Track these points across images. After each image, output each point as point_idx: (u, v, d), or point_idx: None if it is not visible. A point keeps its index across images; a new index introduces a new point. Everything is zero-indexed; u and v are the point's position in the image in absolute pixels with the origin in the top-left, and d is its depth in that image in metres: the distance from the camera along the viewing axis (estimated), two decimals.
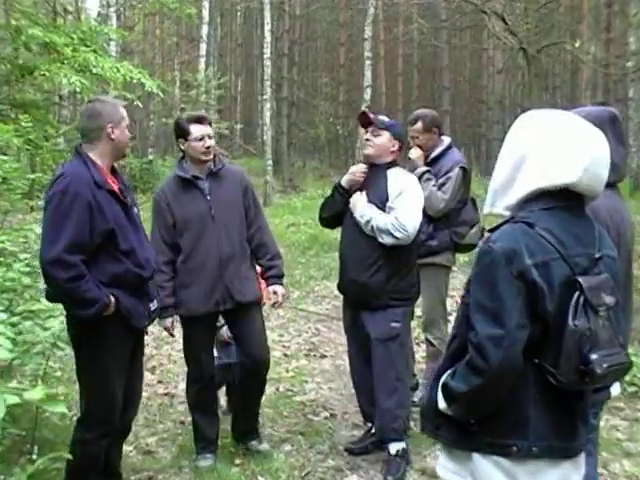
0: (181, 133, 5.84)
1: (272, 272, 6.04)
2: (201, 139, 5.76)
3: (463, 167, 6.85)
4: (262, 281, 6.09)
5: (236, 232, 5.88)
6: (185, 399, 6.29)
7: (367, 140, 5.82)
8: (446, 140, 7.06)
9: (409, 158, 6.90)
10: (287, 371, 8.47)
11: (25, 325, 5.53)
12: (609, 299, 2.81)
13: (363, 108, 5.82)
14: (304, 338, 9.98)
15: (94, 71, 11.76)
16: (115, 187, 4.84)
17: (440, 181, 6.75)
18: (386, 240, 5.56)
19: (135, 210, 5.03)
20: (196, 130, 5.77)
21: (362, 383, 6.11)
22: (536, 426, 2.82)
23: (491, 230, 2.93)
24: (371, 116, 5.79)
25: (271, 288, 6.03)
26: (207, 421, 6.10)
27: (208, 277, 5.77)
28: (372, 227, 5.59)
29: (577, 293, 2.73)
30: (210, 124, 5.91)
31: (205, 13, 27.45)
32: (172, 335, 5.94)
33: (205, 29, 27.74)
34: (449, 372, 2.94)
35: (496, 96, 38.66)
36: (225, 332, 6.51)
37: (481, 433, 2.87)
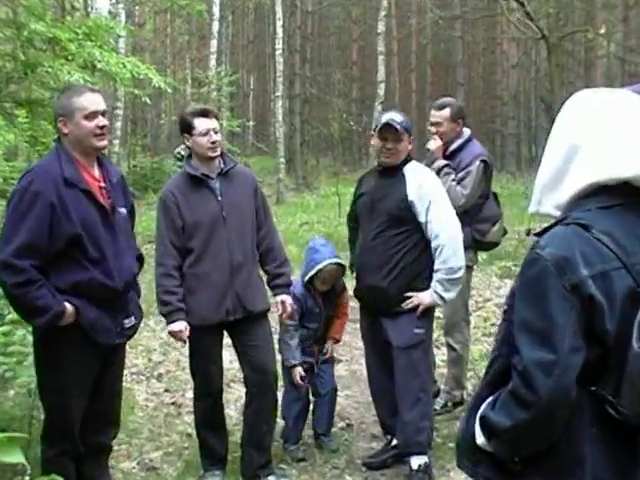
0: (185, 128, 5.45)
1: (280, 280, 5.65)
2: (206, 133, 5.36)
3: (484, 160, 6.45)
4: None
5: (248, 236, 5.51)
6: (191, 408, 5.93)
7: (389, 149, 5.44)
8: (466, 132, 6.66)
9: (428, 149, 6.50)
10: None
11: (18, 334, 5.20)
12: None
13: (387, 120, 5.47)
14: None
15: (99, 66, 11.45)
16: (94, 186, 4.45)
17: (460, 175, 6.36)
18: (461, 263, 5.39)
19: (121, 213, 4.65)
20: (200, 124, 5.37)
21: (381, 393, 5.78)
22: (593, 466, 2.32)
23: (538, 234, 2.46)
24: (397, 127, 5.38)
25: (279, 298, 5.65)
26: (215, 437, 5.69)
27: (219, 284, 5.37)
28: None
29: None
30: (217, 117, 5.51)
31: (216, 9, 27.14)
32: (184, 341, 5.50)
33: (216, 26, 27.43)
34: (489, 401, 2.47)
35: (510, 91, 38.28)
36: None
37: (527, 473, 2.40)
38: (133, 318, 4.73)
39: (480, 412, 2.48)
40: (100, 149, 4.58)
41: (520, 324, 2.36)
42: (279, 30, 27.75)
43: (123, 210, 4.67)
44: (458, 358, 6.64)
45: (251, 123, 36.44)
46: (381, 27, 26.06)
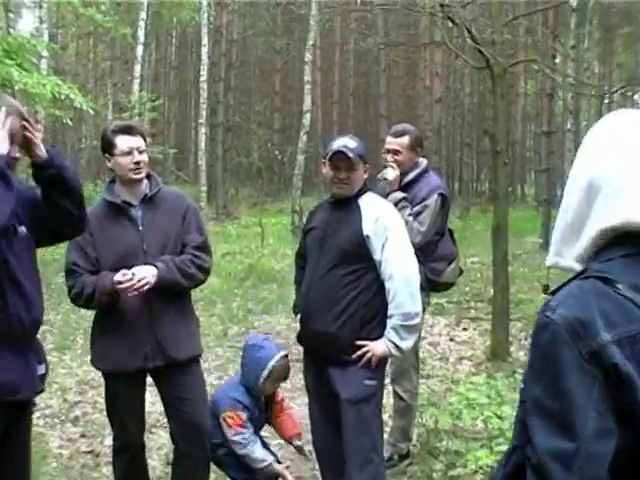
0: (106, 146, 4.83)
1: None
2: (129, 153, 4.75)
3: (442, 194, 6.01)
4: None
5: None
6: (111, 458, 5.35)
7: (342, 179, 4.90)
8: (423, 162, 6.22)
9: (385, 179, 6.02)
10: None
11: None
12: None
13: (339, 148, 5.04)
14: None
15: (17, 87, 10.90)
16: None
17: (416, 209, 5.90)
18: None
19: (22, 232, 3.88)
20: (122, 142, 4.76)
21: (326, 451, 5.20)
22: None
23: (553, 292, 1.97)
24: (351, 155, 4.83)
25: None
26: None
27: (136, 326, 4.74)
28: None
29: None
30: (142, 136, 4.90)
31: (141, 33, 26.61)
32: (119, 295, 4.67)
33: (140, 50, 26.88)
34: None
35: (434, 125, 38.29)
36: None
37: None
38: (44, 365, 4.04)
39: None
40: None
41: (532, 406, 1.88)
42: (204, 56, 27.37)
43: (22, 229, 3.91)
44: (406, 408, 6.20)
45: (172, 150, 35.84)
46: (308, 56, 25.76)
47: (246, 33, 44.98)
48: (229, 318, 12.11)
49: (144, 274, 4.59)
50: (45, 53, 16.25)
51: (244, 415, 5.27)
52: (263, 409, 5.50)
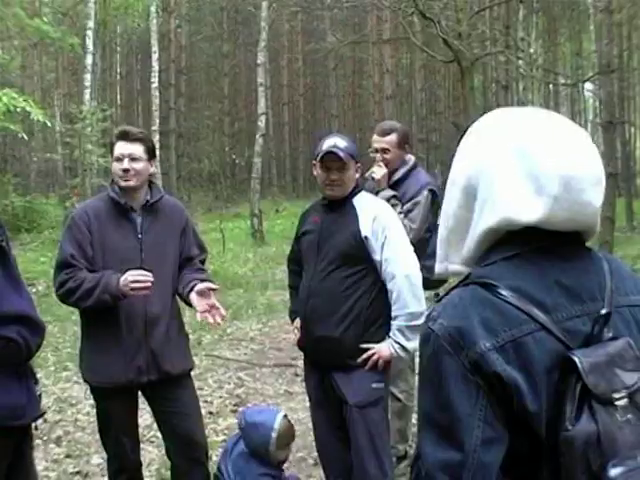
0: (110, 151, 4.73)
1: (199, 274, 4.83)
2: (120, 159, 4.61)
3: (432, 190, 5.89)
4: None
5: (169, 285, 4.72)
6: (102, 477, 5.17)
7: (334, 180, 4.76)
8: (411, 159, 6.09)
9: (372, 178, 5.88)
10: (216, 433, 7.32)
11: None
12: (631, 377, 1.81)
13: (329, 148, 4.90)
14: (227, 390, 8.80)
15: None
16: None
17: (406, 207, 5.76)
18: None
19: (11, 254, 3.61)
20: (117, 147, 4.65)
21: (331, 457, 5.08)
22: None
23: (439, 300, 1.96)
24: (342, 155, 4.68)
25: (200, 287, 4.61)
26: None
27: (129, 338, 4.56)
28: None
29: (573, 379, 1.76)
30: (142, 142, 4.72)
31: (89, 42, 26.23)
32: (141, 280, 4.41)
33: (90, 59, 26.50)
34: None
35: None
36: None
37: None
38: (39, 385, 3.76)
39: None
40: None
41: (422, 417, 1.88)
42: (155, 63, 27.15)
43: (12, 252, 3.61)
44: (403, 409, 6.09)
45: None
46: (261, 58, 25.57)
47: (193, 38, 44.71)
48: (200, 326, 11.93)
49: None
50: None
51: None
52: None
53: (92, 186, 24.07)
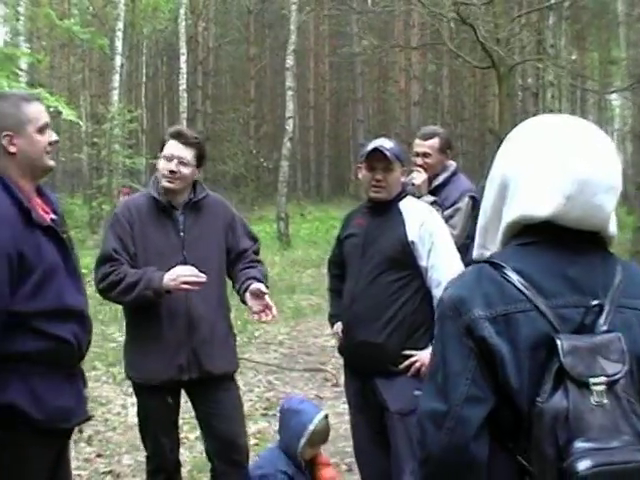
0: (160, 146, 4.68)
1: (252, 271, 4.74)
2: (169, 159, 4.55)
3: (473, 196, 5.81)
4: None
5: (213, 283, 4.58)
6: (133, 478, 5.13)
7: (378, 181, 4.69)
8: (452, 165, 6.03)
9: (412, 183, 5.80)
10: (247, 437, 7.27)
11: None
12: (614, 367, 1.96)
13: (375, 145, 4.86)
14: (257, 394, 8.74)
15: None
16: (47, 219, 3.48)
17: (447, 213, 5.67)
18: None
19: (73, 249, 3.67)
20: (168, 147, 4.58)
21: (370, 463, 4.98)
22: None
23: None
24: (387, 154, 4.62)
25: (254, 287, 4.58)
26: None
27: (172, 336, 4.51)
28: None
29: (554, 359, 1.96)
30: (195, 147, 4.64)
31: (118, 44, 26.37)
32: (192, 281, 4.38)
33: (118, 60, 26.63)
34: None
35: (413, 129, 38.22)
36: None
37: None
38: (87, 388, 3.77)
39: None
40: (51, 171, 3.70)
41: (428, 373, 2.19)
42: (183, 65, 27.21)
43: (74, 247, 3.71)
44: None
45: (152, 161, 35.66)
46: (289, 62, 25.50)
47: (220, 41, 44.79)
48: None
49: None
50: (24, 65, 15.91)
51: None
52: (307, 475, 5.17)
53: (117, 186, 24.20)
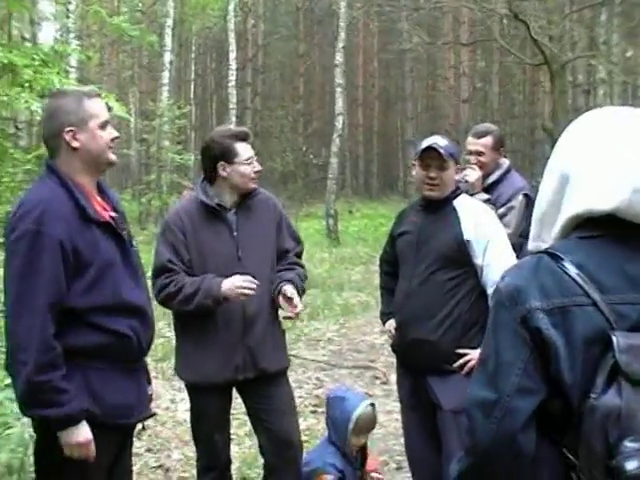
0: (224, 154, 4.57)
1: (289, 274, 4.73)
2: (250, 162, 4.58)
3: (527, 194, 5.71)
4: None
5: (266, 281, 4.59)
6: (183, 473, 5.11)
7: (432, 179, 4.65)
8: (505, 162, 5.94)
9: (466, 181, 5.73)
10: None
11: None
12: None
13: (429, 143, 4.83)
14: (306, 391, 8.72)
15: None
16: (106, 216, 3.53)
17: (501, 211, 5.56)
18: None
19: (135, 247, 3.74)
20: (244, 150, 4.59)
21: (422, 462, 4.95)
22: None
23: None
24: (442, 151, 4.59)
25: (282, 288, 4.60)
26: None
27: (228, 336, 4.51)
28: None
29: (609, 355, 1.90)
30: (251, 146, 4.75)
31: (168, 41, 26.53)
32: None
33: (168, 57, 26.79)
34: None
35: (463, 126, 38.14)
36: None
37: None
38: (151, 386, 3.83)
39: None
40: (113, 165, 3.70)
41: (478, 361, 2.17)
42: (232, 62, 27.28)
43: (133, 243, 3.75)
44: None
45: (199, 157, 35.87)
46: (339, 59, 25.47)
47: (270, 38, 44.89)
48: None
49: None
50: (74, 62, 16.01)
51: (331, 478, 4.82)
52: (357, 467, 5.00)
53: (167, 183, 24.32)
